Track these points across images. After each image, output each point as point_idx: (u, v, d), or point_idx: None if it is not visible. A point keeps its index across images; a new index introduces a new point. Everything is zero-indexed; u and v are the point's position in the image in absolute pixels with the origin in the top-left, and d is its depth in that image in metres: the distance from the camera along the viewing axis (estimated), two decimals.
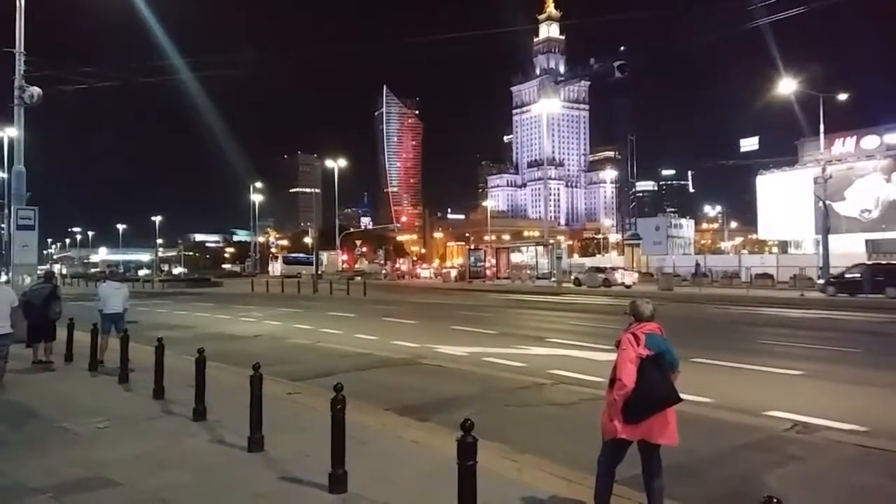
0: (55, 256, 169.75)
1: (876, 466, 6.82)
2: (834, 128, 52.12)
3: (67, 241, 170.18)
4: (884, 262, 37.76)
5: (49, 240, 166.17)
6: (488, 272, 60.68)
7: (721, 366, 12.43)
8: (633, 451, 4.82)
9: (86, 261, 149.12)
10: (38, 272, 17.69)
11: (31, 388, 10.50)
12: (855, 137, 60.81)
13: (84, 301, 31.03)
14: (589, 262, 76.56)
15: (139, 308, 27.30)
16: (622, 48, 35.78)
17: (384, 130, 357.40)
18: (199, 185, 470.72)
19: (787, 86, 40.67)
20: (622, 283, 43.37)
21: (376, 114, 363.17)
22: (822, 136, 44.54)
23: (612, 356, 4.88)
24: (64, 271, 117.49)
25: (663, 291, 37.70)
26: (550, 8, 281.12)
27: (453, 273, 67.13)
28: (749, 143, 72.72)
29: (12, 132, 20.15)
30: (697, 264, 50.53)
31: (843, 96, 42.10)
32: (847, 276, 33.02)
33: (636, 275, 46.02)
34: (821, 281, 35.25)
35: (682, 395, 4.77)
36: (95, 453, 6.81)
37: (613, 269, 48.30)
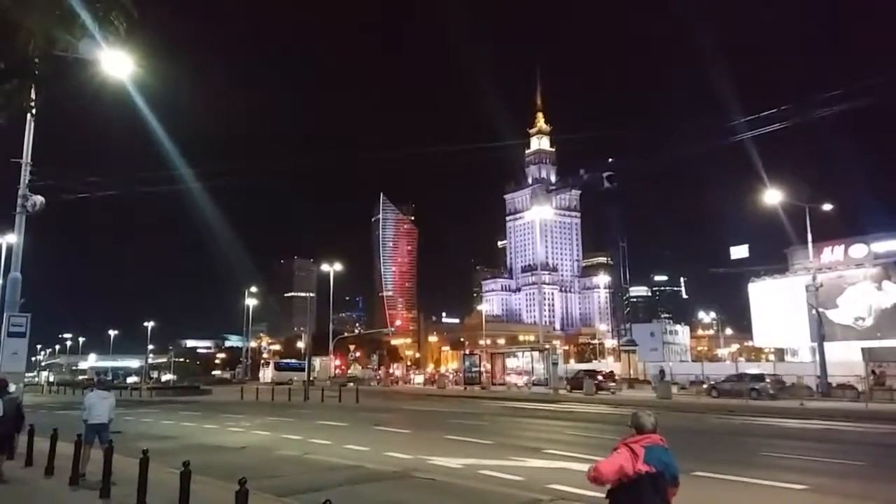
0: (44, 363, 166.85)
1: None
2: (822, 236, 53.17)
3: (57, 347, 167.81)
4: (590, 369, 57.77)
5: (38, 346, 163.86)
6: (483, 378, 59.88)
7: (723, 479, 12.05)
8: None
9: (74, 368, 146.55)
10: None
11: None
12: (843, 246, 61.84)
13: (69, 410, 30.31)
14: (584, 367, 75.75)
15: (125, 417, 26.62)
16: (610, 160, 37.11)
17: (380, 236, 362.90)
18: (194, 291, 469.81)
19: (772, 196, 41.86)
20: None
21: (373, 220, 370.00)
22: (810, 245, 45.42)
23: None
24: (51, 378, 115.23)
25: (662, 400, 37.08)
26: (541, 123, 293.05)
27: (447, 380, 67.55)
28: (739, 251, 73.75)
29: (10, 238, 20.41)
30: (662, 370, 50.69)
31: (828, 206, 43.27)
32: (576, 377, 50.23)
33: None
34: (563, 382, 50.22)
35: None
36: None
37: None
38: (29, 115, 17.07)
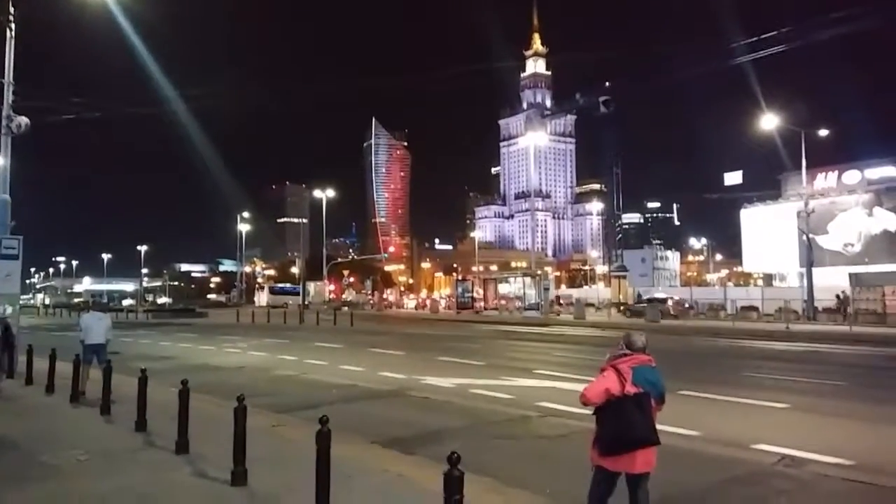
0: (38, 286, 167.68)
1: (863, 501, 6.82)
2: (816, 162, 52.96)
3: (51, 270, 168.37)
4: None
5: (32, 269, 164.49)
6: (476, 304, 60.72)
7: (708, 398, 12.43)
8: (621, 485, 4.79)
9: (69, 290, 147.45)
10: None
11: (11, 420, 10.31)
12: (837, 172, 61.76)
13: (66, 332, 30.67)
14: (575, 293, 76.87)
15: (122, 338, 26.99)
16: (607, 84, 36.38)
17: (373, 161, 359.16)
18: (186, 215, 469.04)
19: (769, 121, 41.48)
20: None
21: (365, 145, 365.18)
22: (804, 170, 45.28)
23: None
24: (47, 301, 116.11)
25: (650, 323, 37.80)
26: (537, 44, 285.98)
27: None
28: (732, 178, 73.64)
29: None
30: (639, 294, 52.68)
31: (823, 132, 43.03)
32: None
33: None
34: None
35: (670, 428, 4.80)
36: (75, 487, 6.67)
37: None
38: (8, 31, 16.55)
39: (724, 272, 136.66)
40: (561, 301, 61.20)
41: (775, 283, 68.03)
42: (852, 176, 61.30)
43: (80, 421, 10.38)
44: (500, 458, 8.17)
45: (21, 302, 18.24)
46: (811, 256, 43.52)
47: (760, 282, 77.80)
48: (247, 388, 9.70)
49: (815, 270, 43.51)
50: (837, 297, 40.13)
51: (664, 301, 48.52)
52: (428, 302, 76.92)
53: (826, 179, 61.54)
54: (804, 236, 44.86)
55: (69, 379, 12.06)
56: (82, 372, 12.07)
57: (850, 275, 41.29)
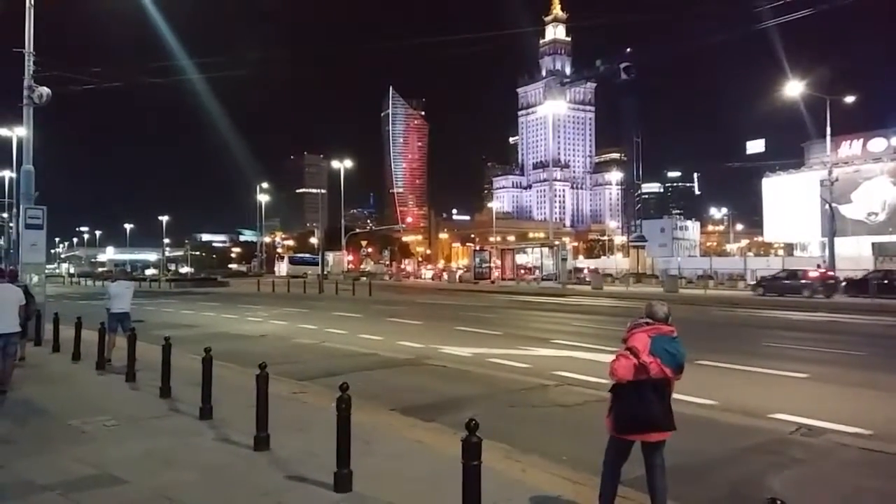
0: (63, 255, 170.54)
1: (880, 470, 6.82)
2: (840, 130, 51.94)
3: (75, 240, 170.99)
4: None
5: (57, 239, 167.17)
6: (494, 273, 60.79)
7: (726, 368, 12.41)
8: (637, 452, 4.83)
9: (93, 260, 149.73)
10: None
11: (40, 386, 10.57)
12: (862, 140, 60.53)
13: (91, 300, 31.24)
14: (593, 263, 76.73)
15: (146, 307, 27.47)
16: (628, 50, 35.65)
17: (390, 131, 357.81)
18: (206, 186, 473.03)
19: (793, 88, 40.59)
20: None
21: (382, 115, 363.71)
22: (828, 138, 44.41)
23: None
24: (71, 270, 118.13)
25: (669, 293, 37.62)
26: (557, 10, 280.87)
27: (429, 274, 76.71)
28: (755, 146, 72.55)
29: (21, 132, 20.32)
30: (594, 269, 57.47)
31: (849, 99, 42.04)
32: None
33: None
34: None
35: (687, 398, 4.80)
36: (103, 451, 6.86)
37: None
38: (27, 0, 16.59)
39: (744, 242, 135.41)
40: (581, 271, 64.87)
41: (796, 252, 67.27)
42: (878, 144, 60.05)
43: (106, 387, 10.62)
44: (518, 426, 8.27)
45: (46, 271, 18.59)
46: (834, 226, 42.90)
47: (781, 252, 76.96)
48: (268, 355, 9.82)
49: (837, 240, 42.94)
50: (818, 266, 39.62)
51: (581, 270, 60.26)
52: (445, 273, 77.23)
53: (851, 147, 60.37)
54: (827, 205, 44.19)
55: (95, 346, 12.32)
56: (108, 340, 12.32)
57: (874, 244, 40.82)
